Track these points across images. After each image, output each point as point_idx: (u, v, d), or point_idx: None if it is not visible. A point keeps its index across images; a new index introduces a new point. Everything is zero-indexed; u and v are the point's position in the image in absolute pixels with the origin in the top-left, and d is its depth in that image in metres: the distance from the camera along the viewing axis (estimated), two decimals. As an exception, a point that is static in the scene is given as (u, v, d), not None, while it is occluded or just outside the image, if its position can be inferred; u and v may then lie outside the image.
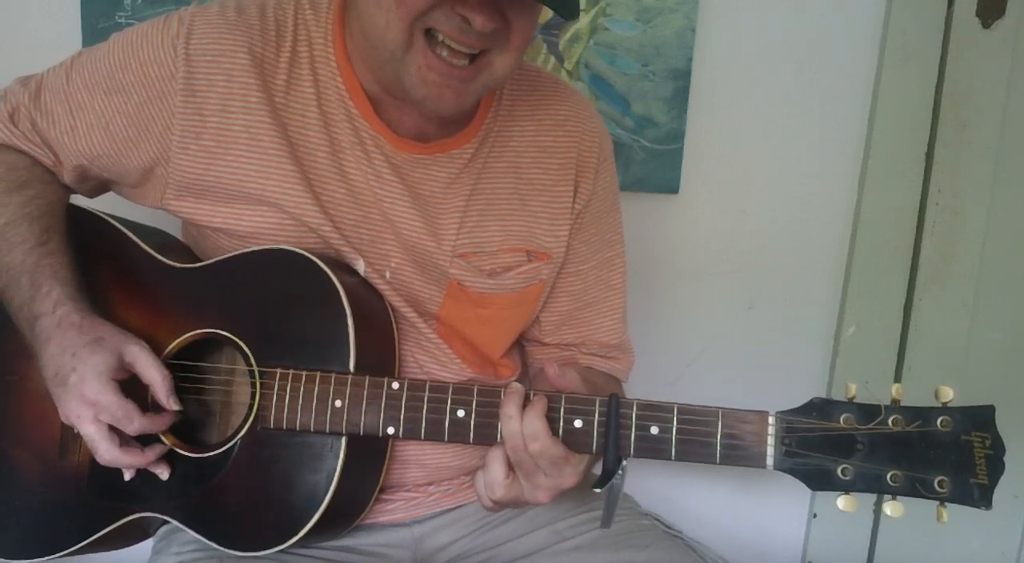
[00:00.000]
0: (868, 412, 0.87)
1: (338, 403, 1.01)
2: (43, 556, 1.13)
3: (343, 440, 1.01)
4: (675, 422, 0.92)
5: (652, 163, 1.71)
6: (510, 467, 0.97)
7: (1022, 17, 1.66)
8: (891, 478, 0.85)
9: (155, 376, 1.03)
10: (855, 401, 0.88)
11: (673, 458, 0.92)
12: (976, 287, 1.76)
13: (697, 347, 1.85)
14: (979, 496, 0.85)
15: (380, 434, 0.99)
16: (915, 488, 0.85)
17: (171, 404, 1.04)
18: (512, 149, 1.18)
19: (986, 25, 1.66)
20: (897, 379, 1.81)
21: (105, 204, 1.23)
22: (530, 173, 1.19)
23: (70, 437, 1.10)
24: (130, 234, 1.17)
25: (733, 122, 1.75)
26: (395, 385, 0.99)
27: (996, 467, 0.85)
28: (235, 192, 1.08)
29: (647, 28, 1.68)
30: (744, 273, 1.81)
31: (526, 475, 0.97)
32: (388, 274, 1.14)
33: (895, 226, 1.76)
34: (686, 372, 1.86)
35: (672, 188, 1.75)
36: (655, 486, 1.62)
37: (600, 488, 0.94)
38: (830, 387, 1.83)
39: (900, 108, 1.70)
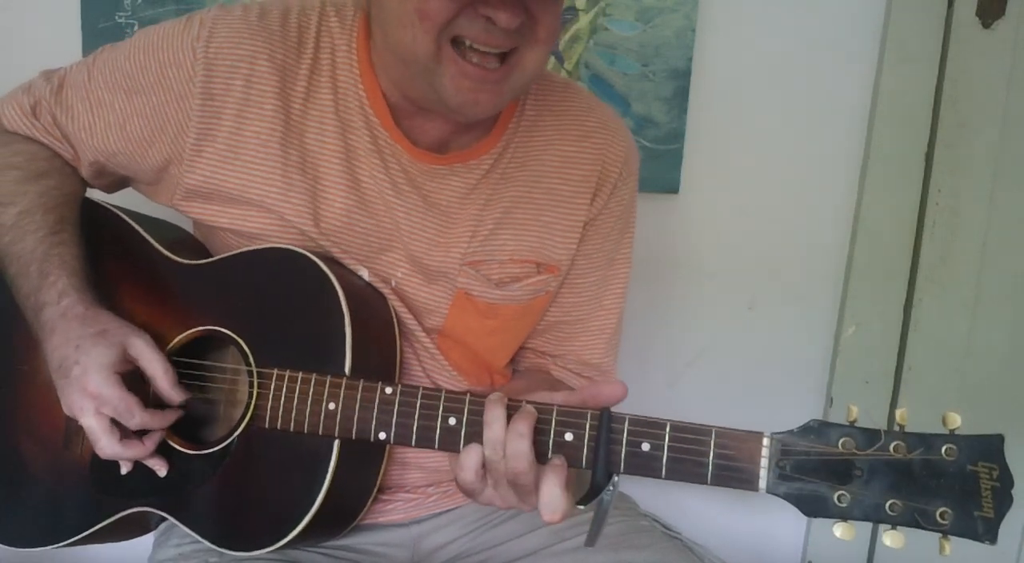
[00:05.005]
0: (868, 437, 0.82)
1: (331, 406, 1.00)
2: (44, 545, 1.13)
3: (336, 442, 1.00)
4: (667, 439, 0.88)
5: (652, 163, 1.71)
6: (483, 465, 0.94)
7: (1022, 17, 1.66)
8: (890, 507, 0.81)
9: (157, 370, 1.02)
10: (856, 424, 0.84)
11: (664, 476, 0.88)
12: (976, 287, 1.76)
13: (697, 347, 1.85)
14: (983, 530, 0.80)
15: (372, 439, 0.98)
16: (915, 519, 0.81)
17: (175, 395, 1.04)
18: (534, 158, 1.17)
19: (986, 25, 1.66)
20: (897, 379, 1.81)
21: (121, 199, 1.23)
22: (550, 183, 1.17)
23: (74, 428, 1.10)
24: (138, 228, 1.17)
25: (733, 122, 1.75)
26: (388, 390, 0.98)
27: (1003, 500, 0.80)
28: (238, 196, 1.08)
29: (647, 28, 1.68)
30: (744, 273, 1.82)
31: (495, 482, 0.94)
32: (394, 282, 1.13)
33: (895, 226, 1.76)
34: (686, 372, 1.86)
35: (672, 188, 1.75)
36: (654, 486, 1.62)
37: (584, 504, 0.90)
38: (830, 387, 1.84)
39: (900, 108, 1.70)
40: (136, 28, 1.64)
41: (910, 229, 1.76)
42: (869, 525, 0.85)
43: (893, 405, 1.81)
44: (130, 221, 1.19)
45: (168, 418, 1.05)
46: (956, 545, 0.82)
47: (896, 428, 0.83)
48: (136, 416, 1.00)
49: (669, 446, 0.88)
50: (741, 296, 1.83)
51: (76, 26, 1.66)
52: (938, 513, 0.80)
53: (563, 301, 1.25)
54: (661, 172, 1.73)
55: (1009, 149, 1.71)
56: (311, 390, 1.01)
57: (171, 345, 1.09)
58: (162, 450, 1.06)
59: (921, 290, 1.76)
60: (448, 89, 0.98)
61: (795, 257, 1.81)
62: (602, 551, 1.15)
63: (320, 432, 1.00)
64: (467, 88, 0.98)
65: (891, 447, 0.81)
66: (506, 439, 0.89)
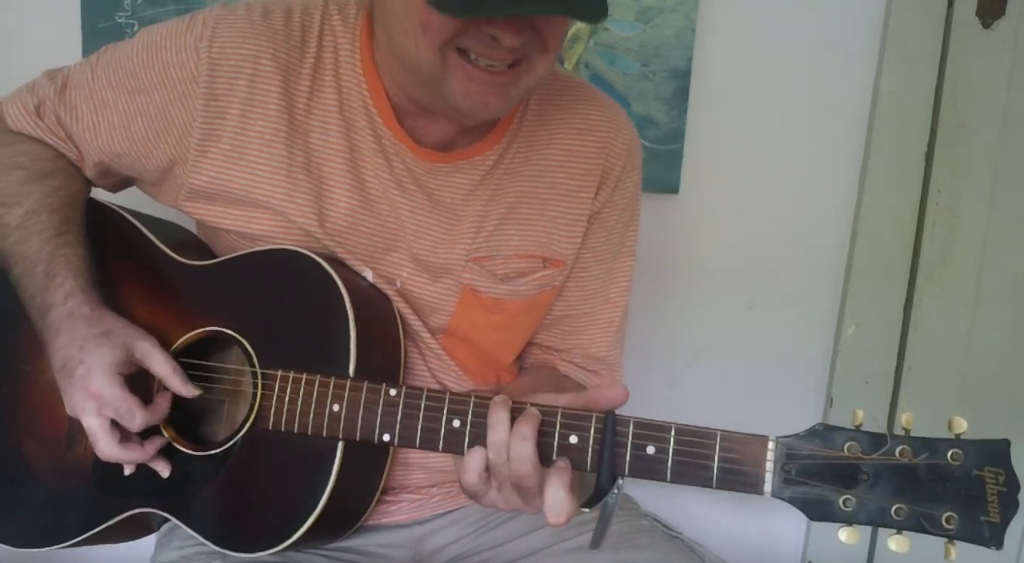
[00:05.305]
0: (874, 441, 0.82)
1: (336, 407, 1.00)
2: (46, 546, 1.13)
3: (340, 444, 1.00)
4: (672, 443, 0.88)
5: (652, 163, 1.71)
6: (487, 467, 0.94)
7: (1022, 17, 1.66)
8: (896, 512, 0.81)
9: (166, 369, 1.02)
10: (861, 428, 0.83)
11: (668, 480, 0.88)
12: (976, 287, 1.76)
13: (697, 347, 1.86)
14: (989, 535, 0.80)
15: (376, 441, 0.98)
16: (921, 523, 0.81)
17: (187, 391, 1.04)
18: (538, 152, 1.16)
19: (986, 25, 1.66)
20: (897, 379, 1.82)
21: (125, 199, 1.23)
22: (554, 177, 1.17)
23: (77, 429, 1.10)
24: (143, 229, 1.17)
25: (733, 122, 1.75)
26: (392, 392, 0.98)
27: (1009, 505, 0.80)
28: (243, 197, 1.08)
29: (647, 28, 1.68)
30: (744, 273, 1.82)
31: (499, 485, 0.94)
32: (399, 283, 1.13)
33: (895, 226, 1.76)
34: (686, 372, 1.86)
35: (672, 188, 1.75)
36: (656, 487, 1.62)
37: (589, 508, 0.89)
38: (830, 387, 1.84)
39: (900, 108, 1.71)
40: (136, 28, 1.64)
41: (910, 229, 1.76)
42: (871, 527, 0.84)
43: (893, 405, 1.81)
44: (134, 221, 1.18)
45: (162, 406, 1.05)
46: (957, 545, 0.82)
47: (902, 432, 0.82)
48: (137, 417, 1.00)
49: (674, 449, 0.88)
50: (741, 296, 1.83)
51: (76, 26, 1.65)
52: (944, 518, 0.80)
53: (569, 295, 1.25)
54: (661, 172, 1.73)
55: (1009, 149, 1.71)
56: (315, 391, 1.01)
57: (175, 346, 1.09)
58: (165, 451, 1.06)
59: (921, 290, 1.76)
60: (456, 93, 0.97)
61: (795, 257, 1.81)
62: (603, 551, 1.14)
63: (324, 434, 1.00)
64: (475, 91, 0.97)
65: (897, 451, 0.81)
66: (510, 442, 0.89)
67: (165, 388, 1.07)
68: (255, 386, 1.04)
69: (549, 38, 0.97)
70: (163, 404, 1.05)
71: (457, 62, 0.96)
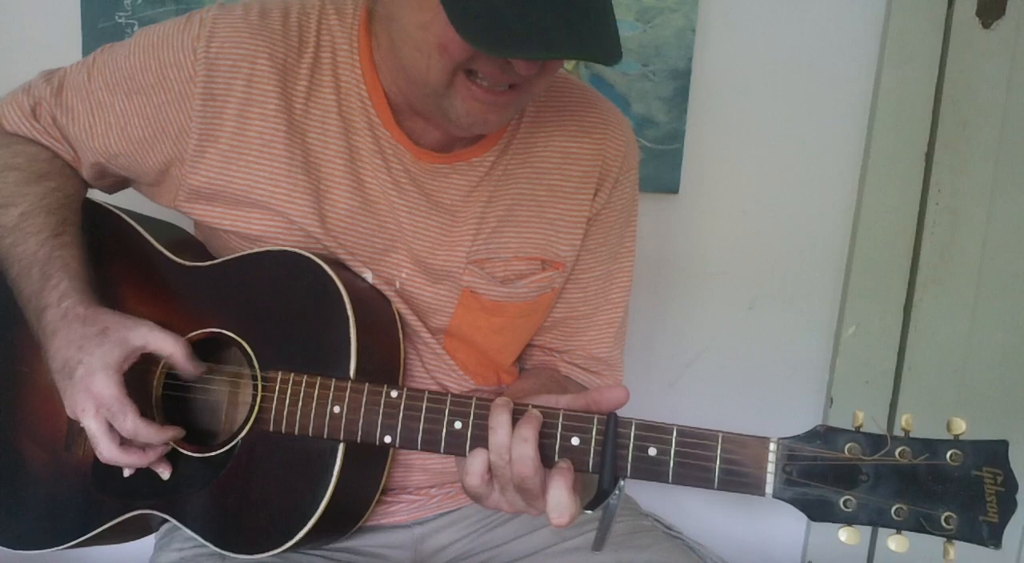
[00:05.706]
0: (874, 442, 0.83)
1: (336, 409, 0.99)
2: (45, 548, 1.13)
3: (340, 446, 1.00)
4: (673, 444, 0.88)
5: (652, 163, 1.71)
6: (489, 469, 0.94)
7: (1022, 17, 1.66)
8: (895, 512, 0.82)
9: (168, 347, 1.02)
10: (861, 430, 0.84)
11: (670, 481, 0.89)
12: (976, 287, 1.77)
13: (697, 347, 1.86)
14: (988, 534, 0.81)
15: (377, 443, 0.98)
16: (920, 524, 0.81)
17: (192, 368, 1.03)
18: (536, 155, 1.17)
19: (986, 25, 1.66)
20: (897, 379, 1.82)
21: (122, 200, 1.23)
22: (552, 179, 1.17)
23: (76, 430, 1.10)
24: (141, 230, 1.17)
25: (733, 122, 1.75)
26: (394, 393, 0.98)
27: (1007, 505, 0.81)
28: (243, 197, 1.08)
29: (647, 28, 1.68)
30: (744, 273, 1.82)
31: (501, 487, 0.94)
32: (399, 284, 1.13)
33: (895, 226, 1.76)
34: (686, 372, 1.86)
35: (672, 188, 1.75)
36: (655, 486, 1.62)
37: (591, 510, 0.90)
38: (830, 387, 1.84)
39: (900, 108, 1.71)
40: (136, 28, 1.64)
41: (910, 229, 1.76)
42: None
43: (893, 405, 1.81)
44: (132, 222, 1.18)
45: (165, 434, 1.03)
46: (957, 544, 0.82)
47: (901, 433, 0.83)
48: (129, 421, 0.99)
49: (676, 451, 0.88)
50: (741, 296, 1.83)
51: (76, 26, 1.65)
52: (943, 518, 0.81)
53: (569, 297, 1.25)
54: (661, 172, 1.73)
55: (1009, 149, 1.71)
56: (316, 393, 1.01)
57: (175, 348, 1.09)
58: (165, 453, 1.06)
59: (921, 290, 1.77)
60: (459, 110, 0.99)
61: (795, 257, 1.81)
62: (604, 551, 1.14)
63: (325, 435, 1.00)
64: (477, 109, 0.98)
65: (897, 453, 0.82)
66: (511, 444, 0.89)
67: (166, 399, 1.07)
68: (255, 388, 1.04)
69: (550, 63, 0.99)
70: (170, 432, 1.04)
71: (463, 81, 0.97)
